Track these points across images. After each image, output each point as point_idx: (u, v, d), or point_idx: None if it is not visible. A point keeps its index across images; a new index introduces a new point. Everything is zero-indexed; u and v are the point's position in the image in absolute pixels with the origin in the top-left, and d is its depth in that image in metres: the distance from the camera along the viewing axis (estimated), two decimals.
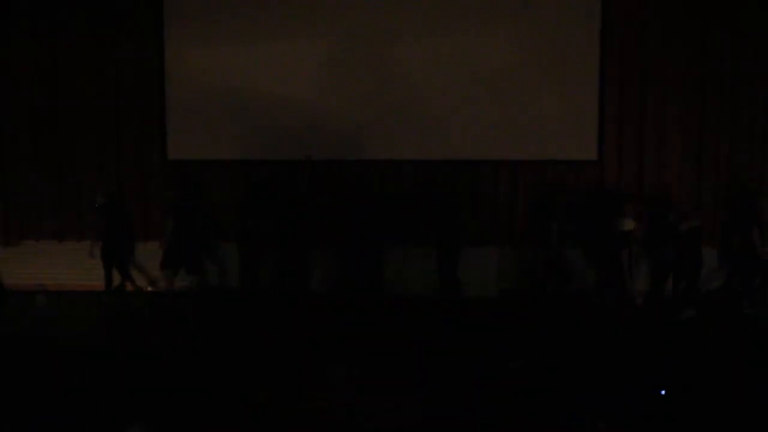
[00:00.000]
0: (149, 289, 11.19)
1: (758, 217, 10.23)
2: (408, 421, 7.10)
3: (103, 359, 8.55)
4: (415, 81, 11.14)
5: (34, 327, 9.99)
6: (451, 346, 8.86)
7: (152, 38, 11.38)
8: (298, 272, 10.85)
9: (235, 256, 11.04)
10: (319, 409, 7.26)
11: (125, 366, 8.33)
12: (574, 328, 9.81)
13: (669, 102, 11.15)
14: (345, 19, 11.17)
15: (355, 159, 11.28)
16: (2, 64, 11.51)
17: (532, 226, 11.02)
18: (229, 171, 11.47)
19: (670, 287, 10.39)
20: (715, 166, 11.18)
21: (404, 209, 11.23)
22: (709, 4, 11.01)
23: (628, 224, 9.68)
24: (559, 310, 10.41)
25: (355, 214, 11.01)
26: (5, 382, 7.88)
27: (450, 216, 10.59)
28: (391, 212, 11.18)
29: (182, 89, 11.35)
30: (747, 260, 10.21)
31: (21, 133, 11.61)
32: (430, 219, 10.87)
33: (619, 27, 11.07)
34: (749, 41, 11.00)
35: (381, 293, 10.91)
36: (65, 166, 11.59)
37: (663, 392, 7.60)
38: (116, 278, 10.80)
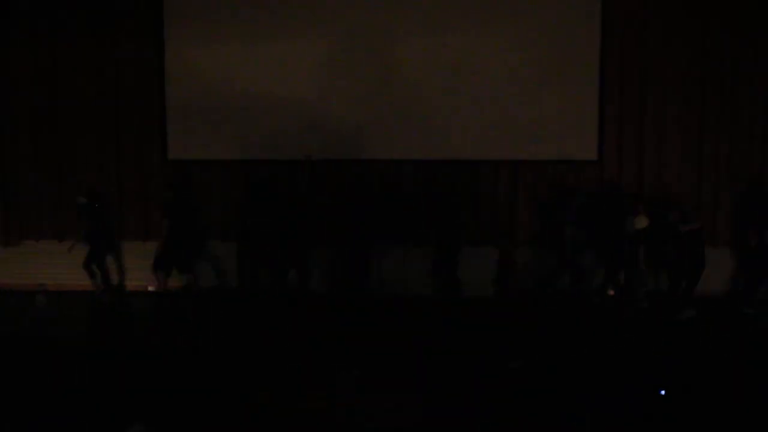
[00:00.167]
0: (150, 289, 11.21)
1: None
2: (408, 421, 7.10)
3: (103, 359, 8.57)
4: (415, 81, 11.13)
5: (34, 327, 10.01)
6: (451, 346, 8.86)
7: (152, 38, 11.37)
8: (298, 272, 10.85)
9: (233, 255, 11.08)
10: (319, 409, 7.27)
11: (125, 366, 8.34)
12: (575, 327, 9.83)
13: (669, 102, 11.13)
14: (345, 19, 11.16)
15: (355, 159, 11.27)
16: (2, 64, 11.51)
17: (544, 227, 11.00)
18: (229, 171, 11.46)
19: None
20: (715, 166, 11.17)
21: (404, 209, 11.23)
22: (709, 4, 11.00)
23: (641, 222, 9.65)
24: (560, 310, 10.43)
25: (354, 213, 11.01)
26: (5, 382, 7.88)
27: (449, 216, 10.59)
28: (391, 212, 11.20)
29: (182, 89, 11.35)
30: (758, 260, 10.23)
31: (21, 133, 11.60)
32: (429, 219, 10.87)
33: (619, 27, 11.06)
34: (749, 41, 10.99)
35: (381, 293, 10.93)
36: (65, 166, 11.58)
37: (663, 392, 7.60)
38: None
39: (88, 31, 11.40)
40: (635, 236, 9.66)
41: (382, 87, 11.20)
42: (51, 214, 11.66)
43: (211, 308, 10.65)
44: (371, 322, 9.94)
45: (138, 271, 11.38)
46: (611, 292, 10.87)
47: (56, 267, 11.41)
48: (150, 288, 11.21)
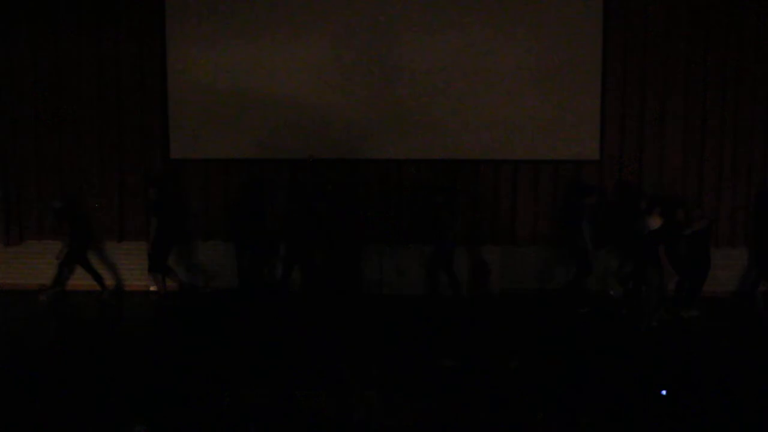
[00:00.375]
0: (152, 289, 11.22)
1: None
2: (408, 421, 7.10)
3: (103, 359, 8.57)
4: (416, 81, 11.13)
5: (34, 326, 10.03)
6: (450, 346, 8.87)
7: (154, 38, 11.36)
8: (301, 271, 10.88)
9: (229, 254, 11.10)
10: (318, 409, 7.27)
11: (125, 366, 8.35)
12: (576, 327, 9.83)
13: (670, 102, 11.12)
14: (345, 19, 11.16)
15: (355, 158, 11.27)
16: (3, 64, 11.51)
17: (563, 226, 10.99)
18: (230, 170, 11.46)
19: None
20: (717, 166, 11.17)
21: (403, 208, 11.24)
22: (710, 3, 10.99)
23: (655, 222, 9.62)
24: (562, 310, 10.44)
25: (355, 213, 11.04)
26: (5, 382, 7.89)
27: (445, 215, 10.59)
28: (391, 211, 11.21)
29: (184, 88, 11.35)
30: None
31: (22, 132, 11.60)
32: (426, 218, 10.87)
33: (621, 26, 11.05)
34: (751, 40, 10.98)
35: (380, 292, 10.94)
36: (67, 166, 11.59)
37: (663, 392, 7.60)
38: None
39: (90, 30, 11.39)
40: (653, 236, 9.59)
41: (382, 87, 11.20)
42: (52, 214, 11.64)
43: (211, 307, 10.65)
44: (370, 321, 9.95)
45: (140, 271, 11.41)
46: (612, 293, 10.88)
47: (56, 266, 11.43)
48: (152, 288, 11.22)
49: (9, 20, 11.42)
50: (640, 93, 11.14)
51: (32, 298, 10.95)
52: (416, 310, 10.33)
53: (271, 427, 7.01)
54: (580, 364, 8.34)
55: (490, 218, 11.37)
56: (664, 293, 9.65)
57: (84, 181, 11.58)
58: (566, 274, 10.93)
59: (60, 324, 10.38)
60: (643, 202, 10.33)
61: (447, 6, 11.07)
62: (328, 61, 11.18)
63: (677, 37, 11.05)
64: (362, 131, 11.24)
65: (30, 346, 9.14)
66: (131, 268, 11.56)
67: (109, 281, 11.34)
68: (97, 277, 11.06)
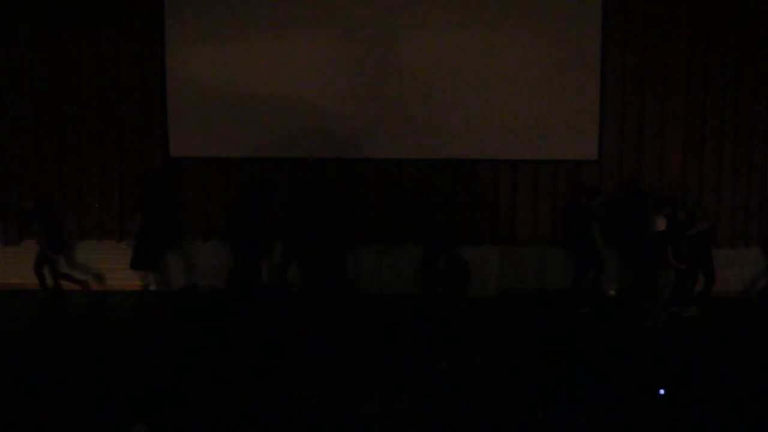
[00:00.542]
0: (152, 288, 11.22)
1: None
2: (407, 421, 7.11)
3: (103, 359, 8.58)
4: (415, 80, 11.12)
5: (34, 326, 10.03)
6: (450, 346, 8.87)
7: (154, 37, 11.36)
8: (300, 271, 10.88)
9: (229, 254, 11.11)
10: (318, 409, 7.28)
11: (125, 366, 8.35)
12: (576, 327, 9.84)
13: (670, 102, 11.13)
14: (345, 18, 11.15)
15: (354, 158, 11.27)
16: (3, 64, 11.50)
17: (569, 226, 10.96)
18: (230, 169, 11.46)
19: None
20: (717, 166, 11.17)
21: (404, 208, 11.24)
22: (710, 3, 10.99)
23: (660, 223, 9.62)
24: (561, 310, 10.44)
25: (354, 212, 11.04)
26: (5, 382, 7.90)
27: (438, 215, 10.60)
28: (391, 211, 11.22)
29: (184, 87, 11.35)
30: None
31: (22, 132, 11.60)
32: (420, 218, 10.88)
33: (620, 25, 11.05)
34: (751, 39, 10.98)
35: (380, 292, 10.94)
36: (66, 166, 11.59)
37: (662, 392, 7.61)
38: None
39: (90, 30, 11.39)
40: (660, 237, 9.59)
41: (382, 86, 11.19)
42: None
43: (205, 307, 10.64)
44: (369, 321, 9.96)
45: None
46: (612, 293, 10.87)
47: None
48: (152, 288, 11.22)
49: (9, 20, 11.42)
50: (640, 93, 11.14)
51: (32, 297, 10.95)
52: (416, 311, 10.32)
53: (271, 427, 7.02)
54: (580, 364, 8.34)
55: (490, 218, 11.37)
56: (670, 293, 9.67)
57: (84, 181, 11.58)
58: (566, 274, 10.93)
59: (59, 324, 10.37)
60: (649, 202, 10.33)
61: (447, 6, 11.06)
62: (328, 60, 11.17)
63: (677, 37, 11.05)
64: (362, 131, 11.24)
65: (30, 346, 9.14)
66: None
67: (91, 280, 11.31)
68: (67, 278, 10.98)
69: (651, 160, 11.19)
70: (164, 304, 10.85)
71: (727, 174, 11.19)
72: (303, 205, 11.00)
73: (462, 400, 7.45)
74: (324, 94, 11.23)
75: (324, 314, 10.19)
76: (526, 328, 9.78)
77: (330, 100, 11.23)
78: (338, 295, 10.91)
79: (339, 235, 11.03)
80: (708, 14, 11.00)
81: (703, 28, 11.02)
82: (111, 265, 11.47)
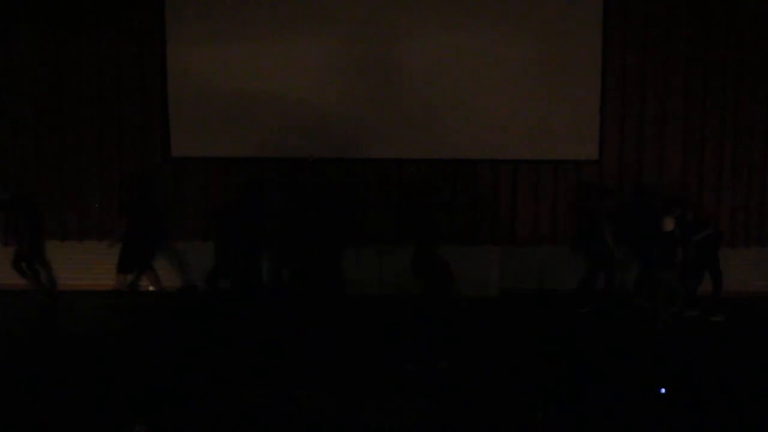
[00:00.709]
0: (151, 288, 11.22)
1: None
2: (407, 421, 7.10)
3: (103, 359, 8.57)
4: (416, 80, 11.13)
5: (34, 326, 10.03)
6: (449, 346, 8.87)
7: (154, 37, 11.36)
8: (300, 271, 10.88)
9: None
10: (318, 409, 7.27)
11: (125, 366, 8.35)
12: (576, 327, 9.83)
13: (670, 101, 11.13)
14: (346, 19, 11.16)
15: (354, 158, 11.28)
16: (3, 64, 11.51)
17: (581, 226, 10.95)
18: (230, 169, 11.46)
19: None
20: (717, 166, 11.18)
21: (404, 208, 11.24)
22: (710, 3, 11.00)
23: (669, 224, 9.61)
24: (562, 310, 10.44)
25: (354, 212, 11.04)
26: (5, 381, 7.89)
27: (429, 215, 10.60)
28: (391, 211, 11.22)
29: (184, 88, 11.35)
30: None
31: (22, 132, 11.60)
32: (412, 218, 10.87)
33: (620, 26, 11.06)
34: (751, 40, 10.99)
35: (380, 292, 10.94)
36: (66, 166, 11.59)
37: (663, 391, 7.61)
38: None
39: (90, 30, 11.39)
40: (669, 237, 9.57)
41: (382, 86, 11.20)
42: (52, 214, 11.65)
43: (204, 307, 10.64)
44: (368, 321, 9.96)
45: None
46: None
47: (57, 266, 11.42)
48: (150, 288, 11.21)
49: (9, 20, 11.41)
50: (640, 93, 11.15)
51: (31, 297, 10.94)
52: (416, 311, 10.31)
53: (271, 427, 7.02)
54: (579, 364, 8.34)
55: (490, 218, 11.37)
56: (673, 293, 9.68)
57: (84, 181, 11.58)
58: (567, 274, 10.94)
59: (59, 324, 10.36)
60: (658, 202, 10.32)
61: (447, 6, 11.07)
62: (328, 60, 11.18)
63: (677, 37, 11.06)
64: (362, 131, 11.25)
65: (30, 346, 9.14)
66: None
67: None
68: (35, 275, 10.87)
69: (651, 160, 11.19)
70: (164, 304, 10.84)
71: (727, 174, 11.20)
72: (303, 205, 11.00)
73: (462, 400, 7.45)
74: (324, 94, 11.24)
75: (324, 314, 10.19)
76: (526, 328, 9.77)
77: (330, 101, 11.24)
78: (338, 295, 10.90)
79: (339, 236, 11.02)
80: (708, 14, 11.01)
81: (703, 28, 11.03)
82: (111, 266, 11.48)
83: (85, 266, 11.28)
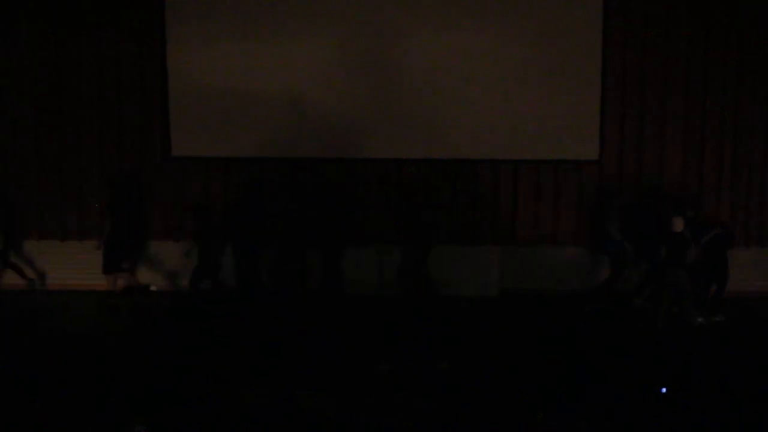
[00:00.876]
0: (153, 288, 11.23)
1: None
2: (407, 421, 7.10)
3: (104, 358, 8.57)
4: (416, 80, 11.13)
5: (35, 326, 10.02)
6: (449, 346, 8.87)
7: (154, 37, 11.36)
8: (301, 271, 10.90)
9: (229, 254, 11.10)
10: (318, 409, 7.28)
11: (125, 365, 8.35)
12: (576, 327, 9.83)
13: (670, 101, 11.13)
14: (346, 19, 11.16)
15: (354, 158, 11.28)
16: (3, 64, 11.50)
17: (593, 228, 10.97)
18: (230, 169, 11.46)
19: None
20: (717, 166, 11.17)
21: (404, 208, 11.25)
22: (710, 3, 10.99)
23: (678, 224, 9.60)
24: (562, 310, 10.44)
25: (354, 212, 11.05)
26: (5, 381, 7.89)
27: (424, 215, 10.62)
28: (391, 211, 11.22)
29: (184, 88, 11.35)
30: None
31: (23, 132, 11.60)
32: (404, 218, 10.87)
33: (621, 26, 11.05)
34: (751, 40, 10.99)
35: (380, 293, 10.94)
36: (67, 166, 11.59)
37: (663, 390, 7.61)
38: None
39: (90, 30, 11.38)
40: (679, 238, 9.55)
41: (382, 86, 11.20)
42: (52, 214, 11.66)
43: (204, 307, 10.64)
44: (368, 321, 9.95)
45: (140, 271, 11.43)
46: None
47: (57, 266, 11.44)
48: (152, 288, 11.22)
49: (9, 20, 11.41)
50: (640, 93, 11.15)
51: (32, 297, 10.95)
52: (416, 311, 10.32)
53: (271, 427, 7.02)
54: (580, 364, 8.34)
55: (490, 218, 11.37)
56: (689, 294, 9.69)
57: (84, 181, 11.58)
58: (567, 275, 10.94)
59: (59, 324, 10.35)
60: (670, 204, 10.32)
61: (447, 6, 11.06)
62: (328, 60, 11.17)
63: (677, 37, 11.05)
64: (362, 131, 11.24)
65: (29, 346, 9.14)
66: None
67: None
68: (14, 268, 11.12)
69: (651, 160, 11.19)
70: (164, 304, 10.85)
71: (727, 174, 11.20)
72: (303, 205, 11.01)
73: (462, 400, 7.45)
74: (324, 94, 11.23)
75: (324, 314, 10.19)
76: (525, 328, 9.77)
77: (330, 101, 11.23)
78: (337, 294, 10.90)
79: (339, 236, 11.02)
80: (708, 14, 11.01)
81: (703, 28, 11.02)
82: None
83: (85, 266, 11.26)
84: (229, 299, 10.80)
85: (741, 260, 11.10)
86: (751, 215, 11.25)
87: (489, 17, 11.06)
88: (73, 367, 8.27)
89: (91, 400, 7.40)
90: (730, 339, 9.50)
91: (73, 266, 11.35)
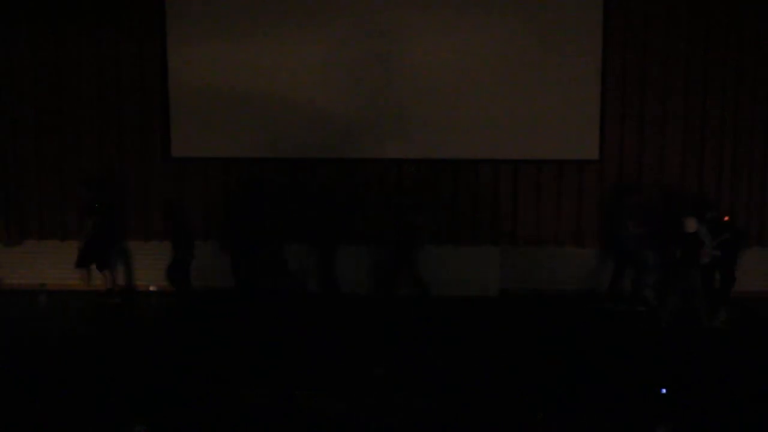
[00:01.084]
0: (152, 288, 11.23)
1: None
2: (407, 421, 7.11)
3: (104, 358, 8.58)
4: (416, 80, 11.12)
5: (35, 326, 10.03)
6: (449, 346, 8.88)
7: (154, 37, 11.36)
8: (300, 272, 10.89)
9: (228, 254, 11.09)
10: (318, 409, 7.28)
11: (126, 365, 8.35)
12: (577, 327, 9.83)
13: (670, 101, 11.12)
14: (346, 19, 11.15)
15: (354, 158, 11.27)
16: (3, 64, 11.50)
17: (608, 227, 10.96)
18: (230, 169, 11.46)
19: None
20: (717, 166, 11.17)
21: (404, 208, 11.24)
22: (710, 3, 10.99)
23: (691, 225, 9.59)
24: (562, 311, 10.45)
25: (354, 212, 11.05)
26: (5, 381, 7.90)
27: (423, 215, 10.62)
28: (391, 211, 11.22)
29: (184, 88, 11.35)
30: None
31: (23, 132, 11.60)
32: (394, 219, 10.87)
33: (621, 26, 11.05)
34: (751, 40, 10.98)
35: (380, 293, 10.94)
36: (67, 165, 11.59)
37: (663, 391, 7.61)
38: None
39: (90, 30, 11.38)
40: (693, 238, 9.54)
41: (382, 86, 11.19)
42: (53, 214, 11.65)
43: (204, 307, 10.65)
44: (367, 321, 9.96)
45: (139, 270, 11.43)
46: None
47: (58, 266, 11.44)
48: (152, 288, 11.22)
49: (9, 20, 11.41)
50: (640, 93, 11.14)
51: (32, 298, 10.95)
52: (416, 311, 10.33)
53: (271, 427, 7.02)
54: (580, 364, 8.34)
55: (490, 218, 11.37)
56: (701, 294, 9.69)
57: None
58: (567, 275, 10.94)
59: (58, 324, 10.36)
60: (687, 204, 10.31)
61: (447, 6, 11.06)
62: (328, 60, 11.17)
63: (677, 37, 11.05)
64: (362, 131, 11.24)
65: (30, 346, 9.14)
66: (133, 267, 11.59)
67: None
68: None
69: (651, 160, 11.19)
70: (163, 304, 10.85)
71: (727, 174, 11.19)
72: (303, 205, 11.01)
73: (462, 400, 7.45)
74: (324, 94, 11.23)
75: (323, 314, 10.20)
76: (525, 328, 9.78)
77: (330, 101, 11.23)
78: (337, 295, 10.90)
79: (338, 235, 11.02)
80: (708, 14, 11.00)
81: (703, 28, 11.02)
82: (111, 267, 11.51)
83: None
84: (229, 299, 10.80)
85: (742, 260, 11.10)
86: (751, 215, 11.25)
87: (489, 17, 11.05)
88: (73, 367, 8.27)
89: (91, 400, 7.40)
90: (730, 338, 9.50)
91: (73, 266, 11.33)
